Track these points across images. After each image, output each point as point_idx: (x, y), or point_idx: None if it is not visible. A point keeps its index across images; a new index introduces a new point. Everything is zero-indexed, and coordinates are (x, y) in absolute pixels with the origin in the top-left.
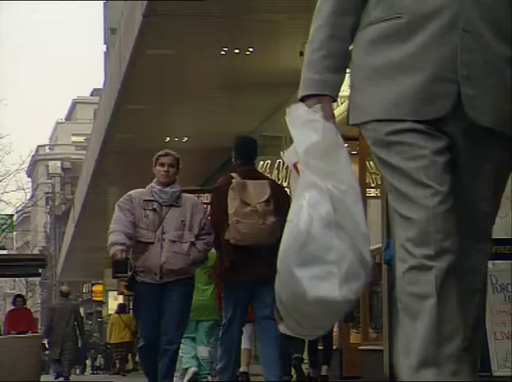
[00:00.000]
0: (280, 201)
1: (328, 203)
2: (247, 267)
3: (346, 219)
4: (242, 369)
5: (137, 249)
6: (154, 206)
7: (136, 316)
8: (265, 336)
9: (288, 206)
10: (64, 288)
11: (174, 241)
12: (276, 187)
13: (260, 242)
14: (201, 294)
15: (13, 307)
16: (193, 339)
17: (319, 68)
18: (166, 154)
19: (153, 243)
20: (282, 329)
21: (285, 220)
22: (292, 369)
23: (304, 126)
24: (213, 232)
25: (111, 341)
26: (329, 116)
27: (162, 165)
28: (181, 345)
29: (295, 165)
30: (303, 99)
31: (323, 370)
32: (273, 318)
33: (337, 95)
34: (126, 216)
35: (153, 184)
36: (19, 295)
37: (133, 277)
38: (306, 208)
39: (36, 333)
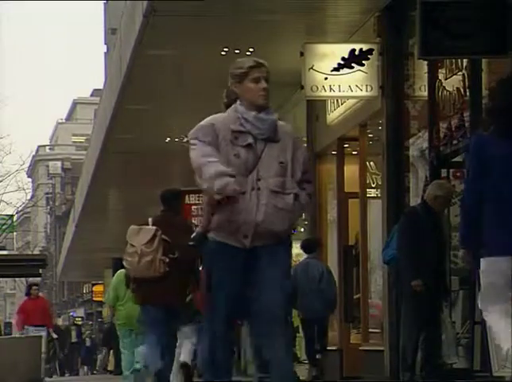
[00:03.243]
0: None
1: None
2: (151, 294)
3: None
4: None
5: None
6: (249, 141)
7: (212, 289)
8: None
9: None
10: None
11: (276, 192)
12: (185, 227)
13: (143, 276)
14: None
15: (26, 297)
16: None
17: None
18: (260, 65)
19: (243, 192)
20: None
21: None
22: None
23: None
24: (312, 180)
25: None
26: None
27: (257, 80)
28: (123, 354)
29: None
30: None
31: (312, 371)
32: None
33: None
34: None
35: (240, 107)
36: (34, 284)
37: (205, 236)
38: None
39: (50, 326)
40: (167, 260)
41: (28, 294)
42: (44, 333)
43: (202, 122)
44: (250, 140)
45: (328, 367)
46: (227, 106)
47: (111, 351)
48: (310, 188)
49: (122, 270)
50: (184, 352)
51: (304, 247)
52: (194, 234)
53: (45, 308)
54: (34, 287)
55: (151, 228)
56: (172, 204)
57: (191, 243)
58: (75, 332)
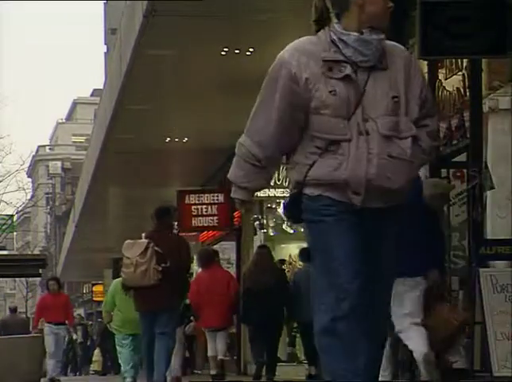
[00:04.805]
0: (177, 250)
1: None
2: (147, 301)
3: None
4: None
5: (313, 149)
6: (346, 71)
7: (324, 259)
8: (158, 346)
9: (184, 253)
10: (12, 305)
11: (388, 136)
12: (175, 240)
13: (139, 284)
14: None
15: (45, 292)
16: (133, 349)
17: None
18: None
19: (348, 140)
20: None
21: (176, 265)
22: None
23: None
24: (436, 113)
25: None
26: None
27: None
28: (121, 352)
29: None
30: None
31: (312, 370)
32: (165, 333)
33: None
34: (291, 105)
35: (337, 27)
36: (52, 278)
37: (300, 194)
38: None
39: (71, 325)
40: (160, 269)
41: (47, 287)
42: (63, 332)
43: (286, 50)
44: (348, 70)
45: None
46: (319, 25)
47: (95, 351)
48: (434, 124)
49: (119, 278)
50: (175, 365)
51: (303, 256)
52: (287, 198)
53: (67, 304)
54: (51, 282)
55: (143, 241)
56: (163, 219)
57: (287, 202)
58: (81, 331)
